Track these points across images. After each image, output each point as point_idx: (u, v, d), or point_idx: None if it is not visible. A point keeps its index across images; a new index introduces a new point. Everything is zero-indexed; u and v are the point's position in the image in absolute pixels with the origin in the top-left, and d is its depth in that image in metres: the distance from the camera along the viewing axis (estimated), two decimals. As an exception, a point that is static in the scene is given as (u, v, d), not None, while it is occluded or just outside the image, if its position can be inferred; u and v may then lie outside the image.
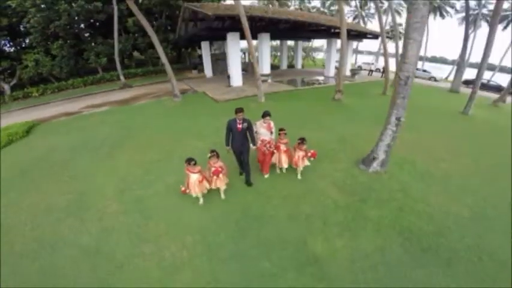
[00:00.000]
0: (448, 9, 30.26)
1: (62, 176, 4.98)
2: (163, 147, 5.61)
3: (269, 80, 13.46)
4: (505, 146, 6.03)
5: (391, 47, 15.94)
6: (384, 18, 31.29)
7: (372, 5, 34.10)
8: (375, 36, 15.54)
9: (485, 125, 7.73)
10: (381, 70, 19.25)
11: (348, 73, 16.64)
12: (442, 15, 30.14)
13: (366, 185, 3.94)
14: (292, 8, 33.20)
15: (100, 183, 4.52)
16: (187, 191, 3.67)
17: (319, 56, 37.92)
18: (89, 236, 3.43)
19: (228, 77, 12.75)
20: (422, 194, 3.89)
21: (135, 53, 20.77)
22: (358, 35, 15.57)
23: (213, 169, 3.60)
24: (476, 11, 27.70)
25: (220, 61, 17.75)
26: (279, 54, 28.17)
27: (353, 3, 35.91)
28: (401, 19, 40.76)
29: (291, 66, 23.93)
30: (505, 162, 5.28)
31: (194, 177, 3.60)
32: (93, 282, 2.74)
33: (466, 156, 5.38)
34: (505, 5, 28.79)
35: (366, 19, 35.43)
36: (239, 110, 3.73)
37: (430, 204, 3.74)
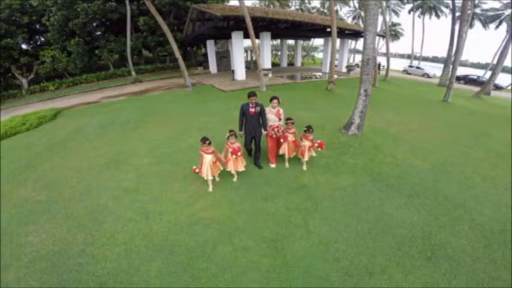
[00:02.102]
0: (444, 9, 31.23)
1: (98, 143, 6.00)
2: (181, 122, 6.65)
3: (270, 75, 14.50)
4: (472, 124, 7.02)
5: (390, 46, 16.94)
6: (381, 18, 32.31)
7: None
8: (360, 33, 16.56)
9: (460, 109, 8.74)
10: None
11: (344, 69, 17.69)
12: (437, 15, 31.17)
13: (345, 143, 4.93)
14: (292, 8, 34.38)
15: (131, 146, 5.54)
16: (199, 172, 3.72)
17: (320, 55, 38.99)
18: (128, 181, 4.38)
19: (233, 71, 13.82)
20: (391, 151, 4.89)
21: (143, 51, 21.94)
22: (353, 33, 16.59)
23: (230, 149, 3.63)
24: (469, 11, 28.67)
25: (224, 58, 18.85)
26: (279, 53, 29.29)
27: (351, 4, 37.08)
28: (399, 19, 41.89)
29: (290, 64, 25.00)
30: (470, 135, 6.26)
31: (208, 158, 3.55)
32: (132, 211, 3.58)
33: (436, 130, 6.37)
34: (497, 5, 29.75)
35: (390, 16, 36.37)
36: (252, 94, 3.84)
37: (397, 158, 4.72)
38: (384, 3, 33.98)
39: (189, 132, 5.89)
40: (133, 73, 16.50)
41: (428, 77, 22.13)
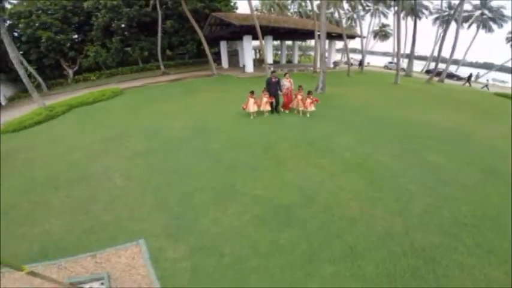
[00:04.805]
0: (425, 11, 35.27)
1: (171, 101, 10.04)
2: (218, 93, 10.92)
3: (272, 68, 18.64)
4: (403, 93, 11.47)
5: (381, 45, 21.11)
6: (372, 20, 37.17)
7: (365, 6, 39.42)
8: (350, 36, 20.67)
9: (401, 87, 13.31)
10: (358, 62, 24.55)
11: (331, 65, 21.85)
12: (418, 17, 35.25)
13: (316, 96, 9.14)
14: (291, 10, 38.20)
15: (195, 101, 9.76)
16: (246, 109, 7.17)
17: (315, 53, 42.72)
18: (204, 111, 8.42)
19: (243, 66, 17.94)
20: (341, 99, 9.37)
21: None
22: (339, 35, 20.72)
23: (265, 99, 7.23)
24: (446, 13, 32.75)
25: (233, 56, 22.92)
26: (279, 52, 33.31)
27: (346, 6, 41.02)
28: (388, 20, 46.02)
29: (289, 61, 29.04)
30: (395, 96, 10.54)
31: (251, 101, 7.07)
32: (216, 117, 7.58)
33: (374, 96, 10.66)
34: (469, 7, 33.42)
35: (357, 21, 40.46)
36: (274, 71, 7.89)
37: (346, 100, 9.13)
38: (372, 8, 38.14)
39: (226, 96, 10.18)
40: (162, 67, 20.52)
41: (404, 71, 26.37)
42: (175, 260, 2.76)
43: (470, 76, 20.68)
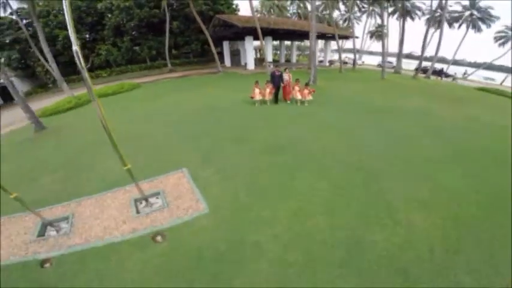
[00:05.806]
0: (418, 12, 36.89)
1: (186, 92, 11.52)
2: (225, 86, 12.37)
3: (271, 66, 20.17)
4: (385, 86, 12.92)
5: (377, 46, 22.76)
6: (368, 21, 38.88)
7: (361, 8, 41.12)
8: (344, 36, 22.23)
9: (387, 81, 14.85)
10: (352, 61, 26.14)
11: (327, 63, 23.42)
12: (411, 18, 36.88)
13: (312, 87, 10.64)
14: (290, 11, 39.80)
15: (206, 92, 11.18)
16: (253, 97, 8.33)
17: (313, 53, 44.16)
18: (211, 99, 9.95)
19: (245, 64, 19.46)
20: (330, 90, 10.77)
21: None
22: (333, 36, 22.27)
23: (268, 89, 8.49)
24: (437, 13, 34.22)
25: (235, 56, 24.45)
26: (278, 52, 34.89)
27: (342, 8, 42.71)
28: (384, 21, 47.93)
29: (287, 60, 30.60)
30: (378, 90, 12.05)
31: (257, 90, 8.25)
32: (229, 102, 9.26)
33: (359, 87, 12.17)
34: (459, 8, 34.84)
35: (353, 21, 42.13)
36: (276, 66, 9.68)
37: (333, 91, 10.58)
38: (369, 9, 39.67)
39: (232, 89, 11.63)
40: (169, 65, 22.04)
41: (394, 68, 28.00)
42: (208, 176, 4.26)
43: (441, 70, 24.39)
